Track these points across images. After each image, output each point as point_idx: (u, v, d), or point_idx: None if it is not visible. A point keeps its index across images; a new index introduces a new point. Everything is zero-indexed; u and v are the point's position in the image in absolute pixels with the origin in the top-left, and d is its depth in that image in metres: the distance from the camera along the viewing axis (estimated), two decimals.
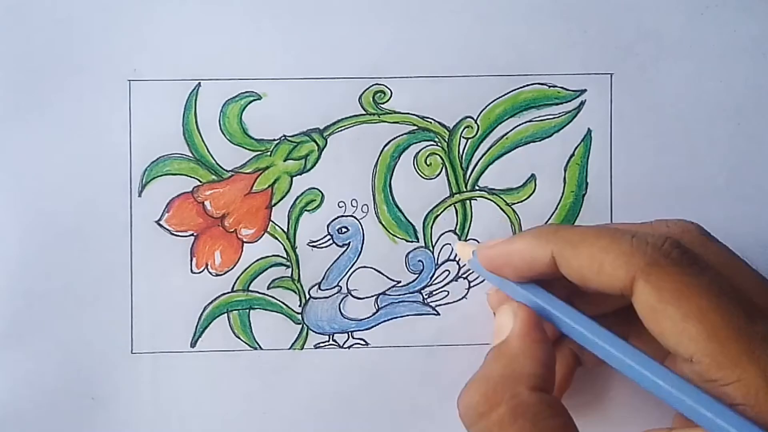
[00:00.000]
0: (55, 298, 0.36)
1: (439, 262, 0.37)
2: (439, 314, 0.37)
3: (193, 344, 0.37)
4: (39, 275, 0.36)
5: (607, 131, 0.37)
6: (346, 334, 0.37)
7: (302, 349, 0.37)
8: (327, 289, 0.37)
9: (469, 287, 0.37)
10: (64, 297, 0.36)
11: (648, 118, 0.37)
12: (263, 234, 0.37)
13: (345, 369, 0.37)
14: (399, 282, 0.37)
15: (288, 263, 0.37)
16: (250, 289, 0.37)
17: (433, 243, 0.37)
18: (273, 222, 0.37)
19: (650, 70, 0.37)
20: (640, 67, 0.37)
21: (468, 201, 0.37)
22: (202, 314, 0.37)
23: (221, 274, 0.37)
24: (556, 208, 0.37)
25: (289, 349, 0.37)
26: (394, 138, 0.37)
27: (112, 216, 0.36)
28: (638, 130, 0.37)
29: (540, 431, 0.28)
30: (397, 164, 0.37)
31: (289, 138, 0.37)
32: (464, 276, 0.37)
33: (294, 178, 0.37)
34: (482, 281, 0.37)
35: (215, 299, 0.37)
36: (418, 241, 0.37)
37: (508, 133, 0.37)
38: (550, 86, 0.37)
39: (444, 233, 0.37)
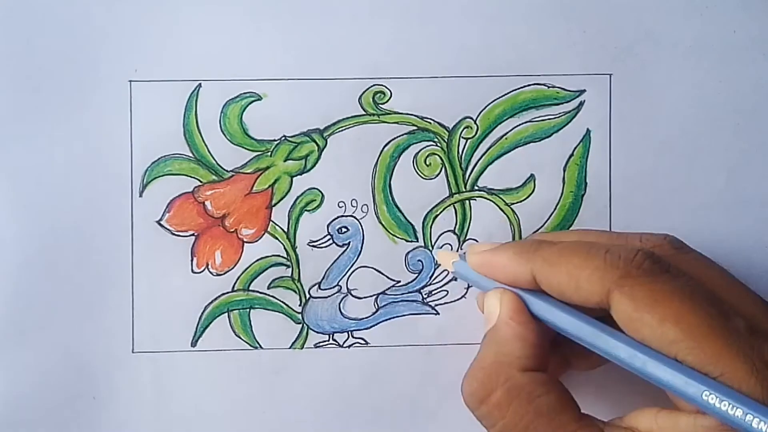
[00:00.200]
0: (55, 298, 0.36)
1: (439, 262, 0.37)
2: (438, 314, 0.37)
3: (193, 344, 0.37)
4: (39, 275, 0.36)
5: (607, 131, 0.37)
6: (346, 334, 0.37)
7: (302, 348, 0.37)
8: (327, 289, 0.37)
9: (468, 287, 0.37)
10: (65, 297, 0.36)
11: (647, 118, 0.37)
12: (263, 234, 0.37)
13: (345, 368, 0.37)
14: (398, 282, 0.37)
15: (288, 263, 0.37)
16: (250, 288, 0.37)
17: (433, 243, 0.37)
18: (273, 222, 0.37)
19: (649, 70, 0.37)
20: (639, 67, 0.37)
21: (467, 201, 0.37)
22: (202, 314, 0.37)
23: (222, 274, 0.37)
24: (556, 208, 0.37)
25: (290, 348, 0.37)
26: (394, 138, 0.37)
27: (112, 216, 0.36)
28: (637, 130, 0.37)
29: (535, 409, 0.30)
30: (397, 164, 0.37)
31: (290, 138, 0.37)
32: None
33: (294, 179, 0.37)
34: None
35: (216, 299, 0.37)
36: (417, 241, 0.37)
37: (507, 133, 0.37)
38: (549, 87, 0.37)
39: (443, 233, 0.37)
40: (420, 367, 0.37)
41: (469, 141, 0.37)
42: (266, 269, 0.37)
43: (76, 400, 0.36)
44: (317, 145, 0.37)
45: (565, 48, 0.37)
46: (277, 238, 0.37)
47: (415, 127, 0.37)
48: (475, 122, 0.37)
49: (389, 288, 0.37)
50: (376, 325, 0.37)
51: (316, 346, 0.37)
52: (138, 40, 0.37)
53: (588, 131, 0.37)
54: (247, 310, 0.37)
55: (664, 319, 0.28)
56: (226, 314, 0.37)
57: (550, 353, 0.32)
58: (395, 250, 0.37)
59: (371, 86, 0.37)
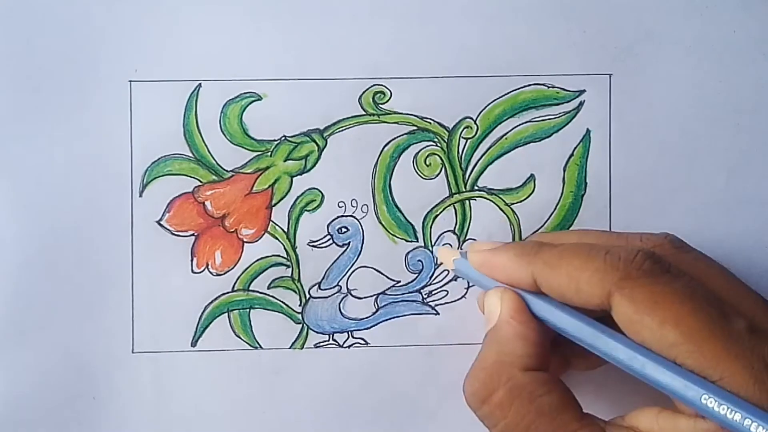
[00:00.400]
0: (55, 298, 0.36)
1: (439, 262, 0.37)
2: (438, 314, 0.37)
3: (193, 344, 0.37)
4: (39, 275, 0.36)
5: (606, 131, 0.37)
6: (346, 334, 0.37)
7: (302, 348, 0.37)
8: (327, 289, 0.37)
9: (468, 286, 0.37)
10: (65, 297, 0.36)
11: (647, 118, 0.37)
12: (263, 234, 0.37)
13: (345, 368, 0.37)
14: (398, 282, 0.37)
15: (288, 263, 0.37)
16: (250, 288, 0.37)
17: (433, 243, 0.37)
18: (273, 222, 0.37)
19: (649, 70, 0.37)
20: (639, 67, 0.37)
21: (467, 201, 0.37)
22: (202, 314, 0.37)
23: (222, 274, 0.37)
24: (555, 208, 0.37)
25: (290, 348, 0.37)
26: (394, 138, 0.37)
27: (112, 216, 0.36)
28: (637, 130, 0.37)
29: (537, 408, 0.30)
30: (397, 164, 0.37)
31: (290, 138, 0.37)
32: None
33: (294, 179, 0.37)
34: None
35: (216, 299, 0.37)
36: (417, 241, 0.37)
37: (507, 133, 0.37)
38: (549, 87, 0.37)
39: (443, 233, 0.37)
40: (420, 367, 0.37)
41: (469, 141, 0.37)
42: (266, 269, 0.37)
43: (76, 400, 0.36)
44: (317, 145, 0.37)
45: (565, 48, 0.37)
46: (277, 238, 0.37)
47: (415, 127, 0.37)
48: (475, 122, 0.37)
49: (389, 288, 0.37)
50: (376, 325, 0.37)
51: (316, 346, 0.37)
52: (138, 40, 0.37)
53: (588, 131, 0.37)
54: (247, 310, 0.37)
55: (664, 321, 0.28)
56: (226, 314, 0.37)
57: (550, 353, 0.32)
58: (395, 250, 0.37)
59: (371, 86, 0.37)
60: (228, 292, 0.37)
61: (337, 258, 0.37)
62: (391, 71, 0.37)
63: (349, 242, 0.37)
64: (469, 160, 0.37)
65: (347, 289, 0.37)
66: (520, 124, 0.37)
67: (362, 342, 0.37)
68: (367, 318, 0.37)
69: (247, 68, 0.37)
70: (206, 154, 0.37)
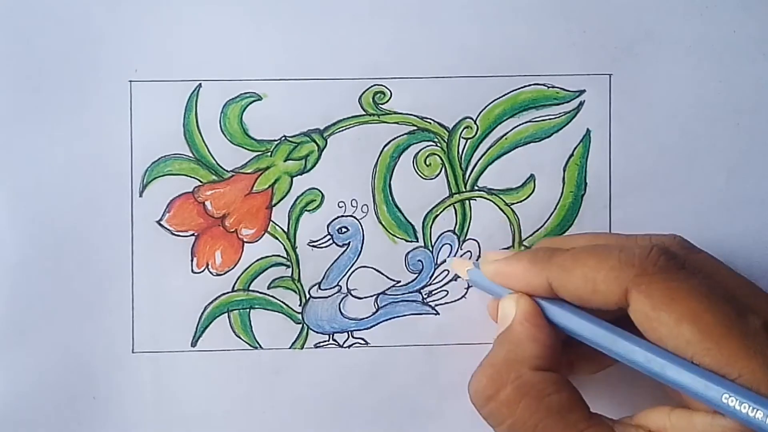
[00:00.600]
0: (55, 298, 0.36)
1: (439, 262, 0.37)
2: (438, 314, 0.37)
3: (193, 344, 0.37)
4: (39, 275, 0.36)
5: (606, 131, 0.37)
6: (346, 334, 0.37)
7: (302, 348, 0.37)
8: (327, 289, 0.37)
9: (468, 287, 0.37)
10: (65, 297, 0.36)
11: (647, 118, 0.37)
12: (263, 234, 0.37)
13: (345, 368, 0.37)
14: (399, 282, 0.37)
15: (288, 263, 0.37)
16: (250, 288, 0.37)
17: (433, 243, 0.37)
18: (273, 222, 0.37)
19: (649, 70, 0.37)
20: (639, 67, 0.37)
21: (467, 201, 0.37)
22: (202, 314, 0.37)
23: (222, 274, 0.37)
24: (555, 208, 0.37)
25: (290, 348, 0.37)
26: (394, 138, 0.37)
27: (113, 216, 0.36)
28: (637, 130, 0.37)
29: (545, 406, 0.30)
30: (397, 164, 0.37)
31: (290, 138, 0.37)
32: None
33: (294, 179, 0.37)
34: None
35: (216, 299, 0.37)
36: (417, 241, 0.37)
37: (507, 133, 0.37)
38: (549, 87, 0.37)
39: (443, 233, 0.37)
40: (420, 367, 0.37)
41: (469, 141, 0.37)
42: (266, 269, 0.37)
43: (76, 400, 0.36)
44: (317, 145, 0.37)
45: (565, 48, 0.37)
46: (277, 238, 0.37)
47: (415, 127, 0.37)
48: (475, 122, 0.37)
49: (389, 288, 0.37)
50: (376, 325, 0.37)
51: (316, 346, 0.37)
52: (138, 40, 0.37)
53: (588, 131, 0.37)
54: (247, 310, 0.37)
55: (681, 318, 0.28)
56: (226, 314, 0.37)
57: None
58: (395, 250, 0.37)
59: (371, 86, 0.37)
60: (228, 292, 0.37)
61: (337, 258, 0.37)
62: (391, 71, 0.37)
63: (349, 242, 0.37)
64: (469, 160, 0.37)
65: (347, 289, 0.37)
66: (520, 124, 0.37)
67: (362, 342, 0.37)
68: (367, 318, 0.37)
69: (247, 68, 0.37)
70: (206, 154, 0.37)
